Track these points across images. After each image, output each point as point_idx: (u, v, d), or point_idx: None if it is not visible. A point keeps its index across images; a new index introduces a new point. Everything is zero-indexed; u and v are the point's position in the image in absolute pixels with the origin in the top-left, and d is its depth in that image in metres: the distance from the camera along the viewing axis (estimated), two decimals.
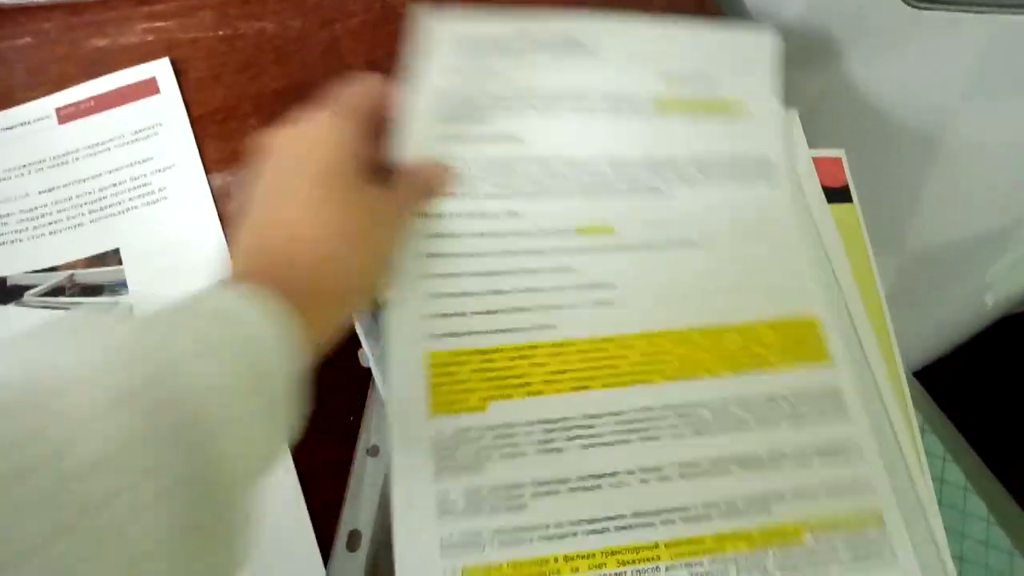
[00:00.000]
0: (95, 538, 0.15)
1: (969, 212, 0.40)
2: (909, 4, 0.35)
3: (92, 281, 0.33)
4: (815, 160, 0.35)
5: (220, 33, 0.37)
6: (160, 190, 0.34)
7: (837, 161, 0.36)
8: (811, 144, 0.35)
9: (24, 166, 0.35)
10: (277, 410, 0.21)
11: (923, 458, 0.28)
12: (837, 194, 0.35)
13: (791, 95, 0.37)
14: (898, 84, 0.39)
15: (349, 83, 0.28)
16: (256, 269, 0.23)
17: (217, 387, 0.19)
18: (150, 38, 0.37)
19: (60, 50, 0.37)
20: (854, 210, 0.35)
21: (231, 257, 0.24)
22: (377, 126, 0.29)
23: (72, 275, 0.33)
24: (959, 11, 0.34)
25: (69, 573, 0.15)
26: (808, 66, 0.41)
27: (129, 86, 0.36)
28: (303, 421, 0.22)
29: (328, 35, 0.37)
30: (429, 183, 0.30)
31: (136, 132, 0.36)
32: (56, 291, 0.33)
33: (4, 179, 0.35)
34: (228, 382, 0.19)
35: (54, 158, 0.35)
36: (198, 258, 0.33)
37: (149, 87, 0.36)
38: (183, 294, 0.20)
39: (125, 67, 0.36)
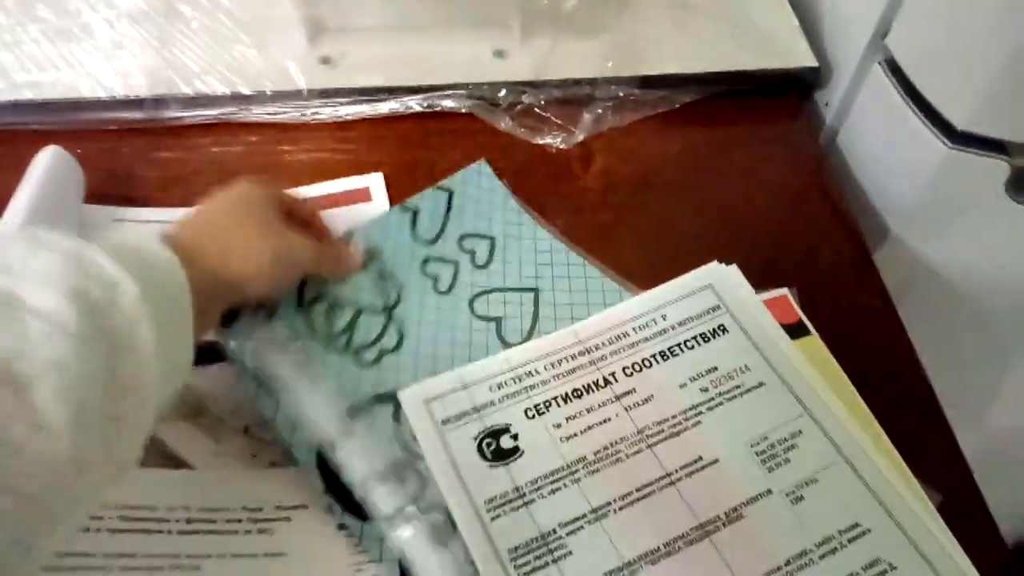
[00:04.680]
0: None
1: None
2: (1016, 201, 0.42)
3: None
4: (765, 302, 0.41)
5: (402, 159, 0.49)
6: None
7: (784, 299, 0.42)
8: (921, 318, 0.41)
9: None
10: (180, 323, 0.29)
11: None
12: (795, 329, 0.40)
13: (899, 267, 0.45)
14: (992, 270, 0.45)
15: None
16: (178, 242, 0.32)
17: (137, 298, 0.26)
18: (339, 157, 0.49)
19: (270, 159, 0.49)
20: (816, 340, 0.40)
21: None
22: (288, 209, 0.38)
23: None
24: None
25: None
26: (913, 242, 0.48)
27: (347, 192, 0.46)
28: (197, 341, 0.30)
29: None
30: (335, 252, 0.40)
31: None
32: None
33: None
34: (148, 297, 0.27)
35: None
36: None
37: (363, 195, 0.46)
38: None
39: (326, 179, 0.46)
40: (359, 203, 0.46)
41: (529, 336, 0.40)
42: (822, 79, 0.55)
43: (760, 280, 0.44)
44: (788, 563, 0.32)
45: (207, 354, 0.39)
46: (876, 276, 0.46)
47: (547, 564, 0.32)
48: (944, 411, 0.40)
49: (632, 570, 0.32)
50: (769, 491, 0.34)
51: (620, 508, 0.34)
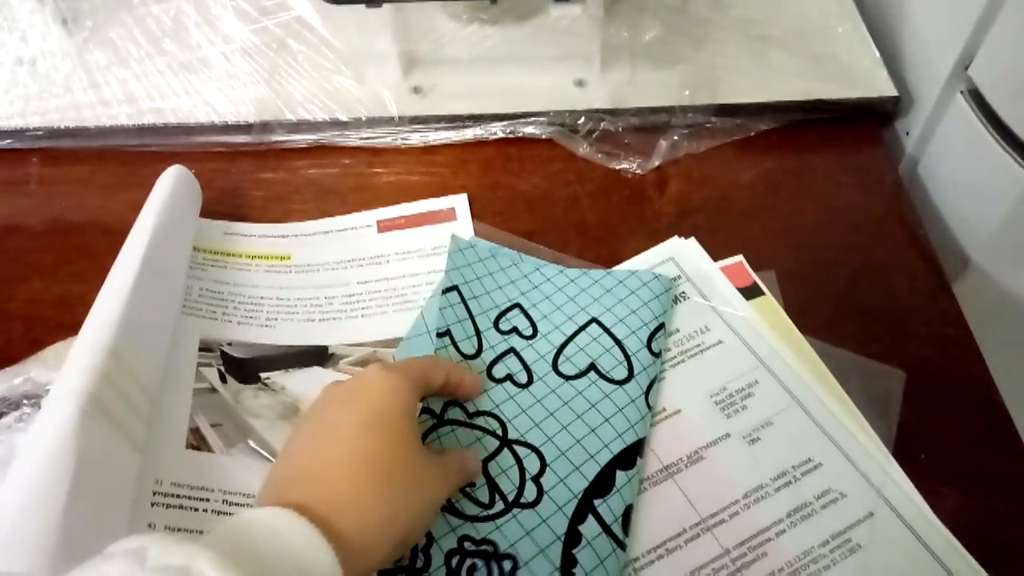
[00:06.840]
0: None
1: None
2: None
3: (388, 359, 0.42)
4: (722, 269, 0.45)
5: (484, 182, 0.51)
6: None
7: (740, 265, 0.46)
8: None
9: (348, 261, 0.47)
10: None
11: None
12: (749, 291, 0.44)
13: (980, 298, 0.44)
14: None
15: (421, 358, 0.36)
16: (304, 504, 0.26)
17: None
18: (426, 179, 0.52)
19: (362, 179, 0.52)
20: (769, 299, 0.44)
21: (271, 482, 0.29)
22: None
23: (375, 351, 0.42)
24: None
25: None
26: (994, 272, 0.47)
27: (434, 211, 0.49)
28: None
29: (569, 193, 0.50)
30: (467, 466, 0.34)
31: (434, 247, 0.47)
32: (362, 363, 0.42)
33: (332, 269, 0.47)
34: None
35: (371, 258, 0.47)
36: None
37: (448, 215, 0.49)
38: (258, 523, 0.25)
39: (414, 199, 0.50)
40: (445, 222, 0.49)
41: (629, 361, 0.39)
42: (903, 108, 0.55)
43: (837, 308, 0.44)
44: (746, 496, 0.36)
45: (303, 357, 0.43)
46: (955, 306, 0.45)
47: None
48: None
49: None
50: (728, 435, 0.38)
51: None
